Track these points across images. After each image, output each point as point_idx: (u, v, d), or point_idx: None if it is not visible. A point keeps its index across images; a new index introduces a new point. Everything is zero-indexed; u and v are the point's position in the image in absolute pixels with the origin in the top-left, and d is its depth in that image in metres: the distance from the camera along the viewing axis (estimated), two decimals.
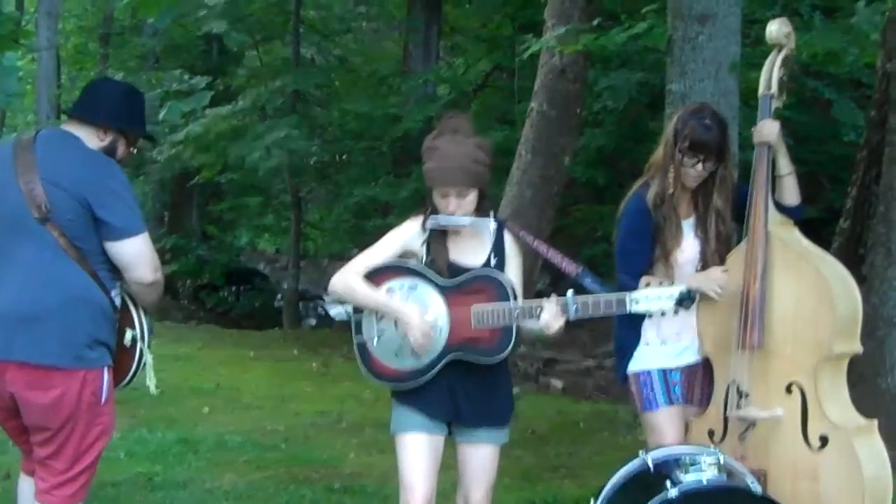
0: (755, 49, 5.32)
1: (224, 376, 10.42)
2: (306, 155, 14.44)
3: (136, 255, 3.72)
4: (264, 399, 9.24)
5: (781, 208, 4.02)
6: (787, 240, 3.94)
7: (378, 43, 19.46)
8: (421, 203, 4.02)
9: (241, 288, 20.60)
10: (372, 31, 19.43)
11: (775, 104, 4.06)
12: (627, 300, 3.60)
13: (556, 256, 3.87)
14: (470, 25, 16.43)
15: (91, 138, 3.80)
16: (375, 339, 3.83)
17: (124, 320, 3.82)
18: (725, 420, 3.98)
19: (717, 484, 3.56)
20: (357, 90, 16.61)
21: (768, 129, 3.99)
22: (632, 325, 4.04)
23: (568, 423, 8.52)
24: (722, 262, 4.05)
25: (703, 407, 4.13)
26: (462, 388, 3.79)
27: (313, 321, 18.59)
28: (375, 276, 3.82)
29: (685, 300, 3.58)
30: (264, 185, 19.42)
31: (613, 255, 4.23)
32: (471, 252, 3.86)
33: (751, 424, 3.89)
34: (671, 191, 4.00)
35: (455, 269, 3.80)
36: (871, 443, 3.82)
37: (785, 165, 4.05)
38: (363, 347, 3.87)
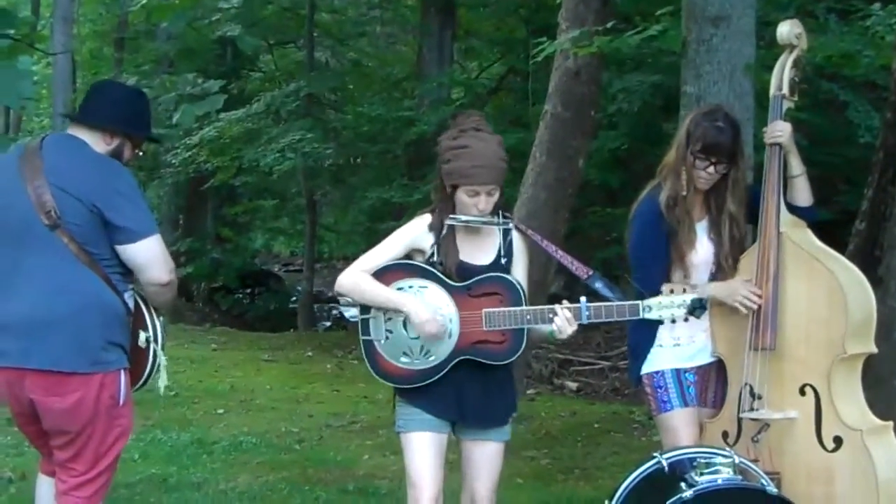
0: (770, 51, 5.30)
1: (238, 378, 10.45)
2: (320, 158, 14.46)
3: (150, 256, 3.73)
4: (279, 401, 9.27)
5: (794, 209, 4.01)
6: (800, 241, 3.93)
7: (392, 46, 19.49)
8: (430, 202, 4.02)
9: (256, 290, 20.65)
10: (386, 35, 19.44)
11: (787, 105, 4.05)
12: (640, 307, 3.64)
13: (566, 259, 3.88)
14: (484, 28, 16.42)
15: (98, 142, 3.80)
16: (383, 339, 3.83)
17: (137, 322, 3.83)
18: (739, 422, 3.98)
19: (732, 484, 3.55)
20: (371, 93, 16.66)
21: (780, 130, 3.98)
22: (646, 327, 4.02)
23: (582, 424, 8.52)
24: (735, 264, 4.05)
25: (717, 409, 4.13)
26: (468, 388, 3.80)
27: (328, 323, 18.63)
28: (385, 274, 3.82)
29: (697, 308, 3.62)
30: (279, 188, 19.49)
31: (627, 258, 4.23)
32: (480, 251, 3.86)
33: (764, 426, 3.88)
34: (684, 193, 3.99)
35: (464, 269, 3.80)
36: (886, 444, 3.82)
37: (797, 166, 4.04)
38: (370, 347, 3.86)
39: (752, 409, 3.91)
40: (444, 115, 12.95)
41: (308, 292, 17.44)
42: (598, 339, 11.76)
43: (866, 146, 8.26)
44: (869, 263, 6.46)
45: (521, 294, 3.74)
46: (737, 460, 3.64)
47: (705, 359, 4.12)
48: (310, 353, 12.76)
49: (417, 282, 3.80)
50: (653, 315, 3.63)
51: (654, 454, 3.83)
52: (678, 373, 4.10)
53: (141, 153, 4.13)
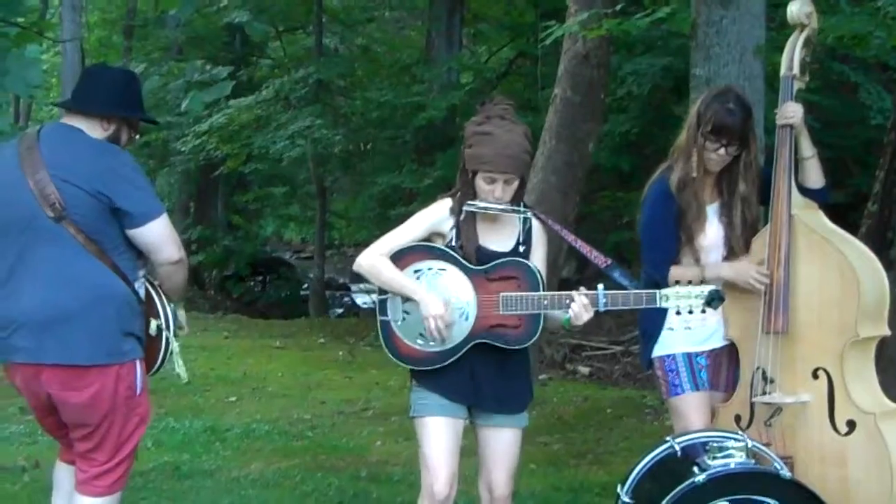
0: (780, 32, 5.27)
1: (250, 365, 10.47)
2: (330, 144, 14.47)
3: (160, 236, 3.71)
4: (291, 388, 9.28)
5: (805, 191, 3.98)
6: (811, 223, 3.91)
7: (401, 32, 19.48)
8: (448, 186, 4.01)
9: (267, 278, 20.67)
10: (394, 20, 19.42)
11: (797, 85, 4.02)
12: (658, 296, 3.62)
13: (584, 247, 3.88)
14: (493, 13, 16.39)
15: (94, 129, 3.76)
16: (400, 320, 3.83)
17: (149, 310, 3.82)
18: (752, 405, 3.97)
19: (745, 468, 3.54)
20: (380, 79, 16.63)
21: (791, 111, 3.95)
22: (656, 310, 3.99)
23: (594, 409, 8.51)
24: (747, 247, 4.02)
25: (730, 392, 4.11)
26: (483, 372, 3.79)
27: (339, 310, 18.64)
28: (404, 256, 3.81)
29: (714, 300, 3.59)
30: (289, 175, 19.51)
31: (638, 240, 4.22)
32: (500, 238, 3.85)
33: (777, 410, 3.87)
34: (694, 175, 3.97)
35: (484, 254, 3.79)
36: None
37: (807, 148, 4.01)
38: (387, 328, 3.86)
39: (764, 393, 3.90)
40: (454, 100, 12.96)
41: (319, 279, 17.45)
42: (610, 324, 11.72)
43: (878, 128, 8.22)
44: (882, 245, 6.44)
45: (539, 280, 3.74)
46: (749, 444, 3.62)
47: (717, 342, 4.10)
48: (322, 340, 12.77)
49: (437, 264, 3.79)
50: (670, 305, 3.62)
51: (667, 438, 3.82)
52: (690, 356, 4.08)
53: (138, 136, 4.10)
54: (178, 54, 17.50)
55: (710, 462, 3.55)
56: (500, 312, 3.71)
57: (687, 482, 3.46)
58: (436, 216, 3.89)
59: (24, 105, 17.98)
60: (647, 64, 10.03)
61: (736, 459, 3.55)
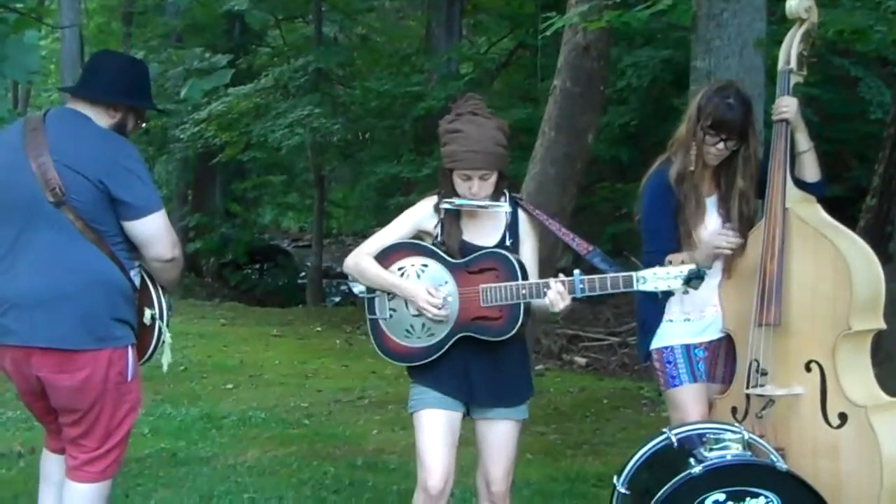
0: (781, 26, 5.26)
1: (247, 353, 10.48)
2: (329, 133, 14.47)
3: (155, 232, 3.71)
4: (287, 376, 9.30)
5: (802, 185, 3.98)
6: (806, 216, 3.90)
7: (400, 21, 19.44)
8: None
9: (265, 266, 20.69)
10: (394, 10, 19.39)
11: (795, 79, 4.01)
12: (634, 279, 3.60)
13: (567, 235, 3.89)
14: (493, 3, 16.36)
15: (101, 117, 3.75)
16: (388, 317, 3.87)
17: (143, 299, 3.82)
18: (748, 397, 3.97)
19: (741, 460, 3.55)
20: (379, 68, 16.60)
21: (785, 106, 3.95)
22: (655, 302, 4.00)
23: (591, 399, 8.54)
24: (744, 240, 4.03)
25: (727, 384, 4.12)
26: (476, 366, 3.81)
27: (336, 298, 18.67)
28: (388, 255, 3.86)
29: (693, 279, 3.57)
30: (287, 164, 19.50)
31: (637, 233, 4.22)
32: (485, 233, 3.87)
33: (769, 402, 3.87)
34: (692, 168, 3.97)
35: (468, 250, 3.82)
36: (892, 420, 3.79)
37: (803, 141, 4.01)
38: (376, 325, 3.91)
39: (758, 385, 3.91)
40: (453, 91, 12.94)
41: (317, 267, 17.47)
42: (608, 314, 11.76)
43: (878, 122, 8.23)
44: (880, 239, 6.45)
45: (517, 269, 3.73)
46: (746, 436, 3.63)
47: (715, 334, 4.11)
48: (318, 329, 12.79)
49: (419, 260, 3.83)
50: (648, 287, 3.59)
51: (663, 430, 3.82)
52: (688, 348, 4.09)
53: (144, 124, 4.10)
54: (177, 42, 17.48)
55: (706, 454, 3.56)
56: (482, 304, 3.73)
57: (683, 473, 3.46)
58: (420, 214, 3.94)
59: (22, 91, 17.96)
60: (647, 56, 10.04)
61: (732, 451, 3.56)
